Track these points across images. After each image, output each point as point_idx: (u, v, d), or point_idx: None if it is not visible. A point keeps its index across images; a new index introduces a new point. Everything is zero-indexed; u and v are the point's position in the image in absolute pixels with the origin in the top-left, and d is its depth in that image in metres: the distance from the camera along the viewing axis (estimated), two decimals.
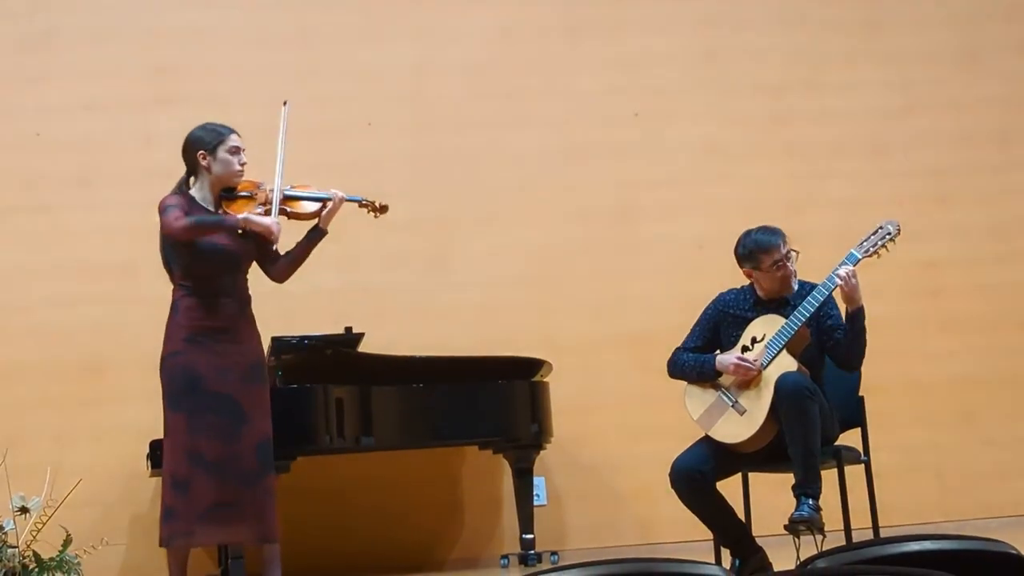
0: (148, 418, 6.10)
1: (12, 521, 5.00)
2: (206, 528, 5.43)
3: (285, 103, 5.65)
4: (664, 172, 7.73)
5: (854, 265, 5.36)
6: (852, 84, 7.89)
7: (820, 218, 7.54)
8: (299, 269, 5.67)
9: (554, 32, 7.78)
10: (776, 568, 5.24)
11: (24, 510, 5.01)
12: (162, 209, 5.46)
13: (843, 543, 4.60)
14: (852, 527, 5.44)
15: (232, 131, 5.58)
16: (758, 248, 5.48)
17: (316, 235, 5.64)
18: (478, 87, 7.71)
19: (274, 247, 5.58)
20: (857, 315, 5.36)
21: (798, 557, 5.01)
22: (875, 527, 5.60)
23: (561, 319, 7.57)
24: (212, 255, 5.47)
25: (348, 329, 6.79)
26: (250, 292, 5.58)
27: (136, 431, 6.76)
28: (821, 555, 3.06)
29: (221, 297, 5.48)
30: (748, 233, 5.55)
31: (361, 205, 5.76)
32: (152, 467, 6.54)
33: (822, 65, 7.90)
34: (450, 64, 7.71)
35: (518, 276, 7.58)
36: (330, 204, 5.61)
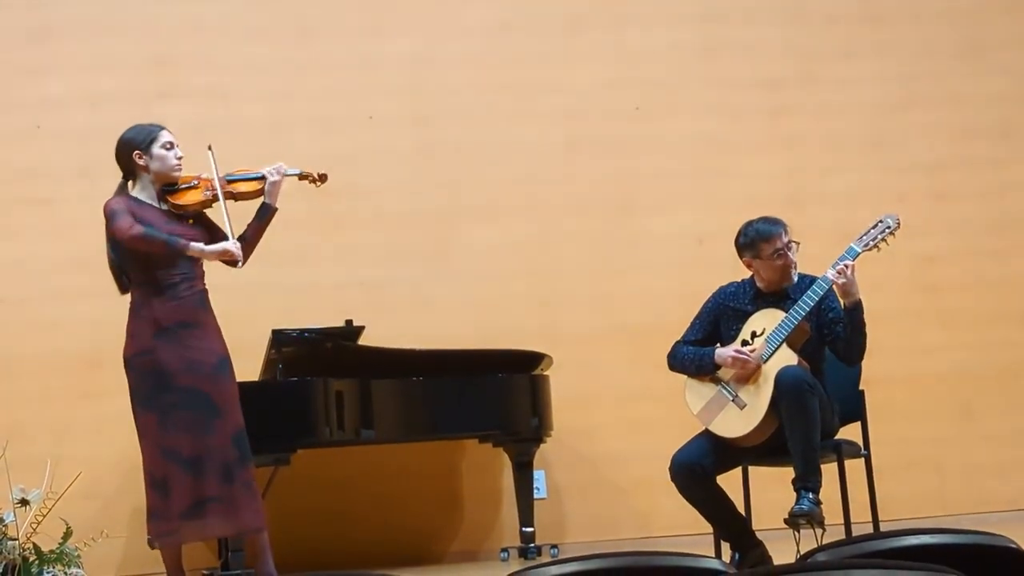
0: None
1: (12, 513, 5.01)
2: (190, 525, 5.43)
3: (209, 147, 5.56)
4: (664, 166, 7.73)
5: (853, 259, 5.35)
6: (851, 78, 7.87)
7: (819, 212, 7.52)
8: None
9: (554, 26, 7.77)
10: (776, 562, 5.23)
11: (24, 502, 5.02)
12: (109, 214, 5.45)
13: (843, 537, 4.62)
14: (852, 521, 5.45)
15: (163, 128, 5.61)
16: (759, 237, 5.48)
17: (266, 211, 5.63)
18: (478, 80, 7.70)
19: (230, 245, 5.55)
20: (855, 310, 5.35)
21: (798, 551, 5.01)
22: (875, 521, 5.61)
23: (561, 312, 7.57)
24: None
25: (348, 322, 6.79)
26: (206, 285, 5.57)
27: None
28: (821, 549, 3.07)
29: (182, 288, 5.47)
30: (750, 223, 5.56)
31: (301, 178, 5.75)
32: None
33: (821, 59, 7.89)
34: (451, 57, 7.70)
35: (518, 269, 7.57)
36: (272, 178, 5.60)
